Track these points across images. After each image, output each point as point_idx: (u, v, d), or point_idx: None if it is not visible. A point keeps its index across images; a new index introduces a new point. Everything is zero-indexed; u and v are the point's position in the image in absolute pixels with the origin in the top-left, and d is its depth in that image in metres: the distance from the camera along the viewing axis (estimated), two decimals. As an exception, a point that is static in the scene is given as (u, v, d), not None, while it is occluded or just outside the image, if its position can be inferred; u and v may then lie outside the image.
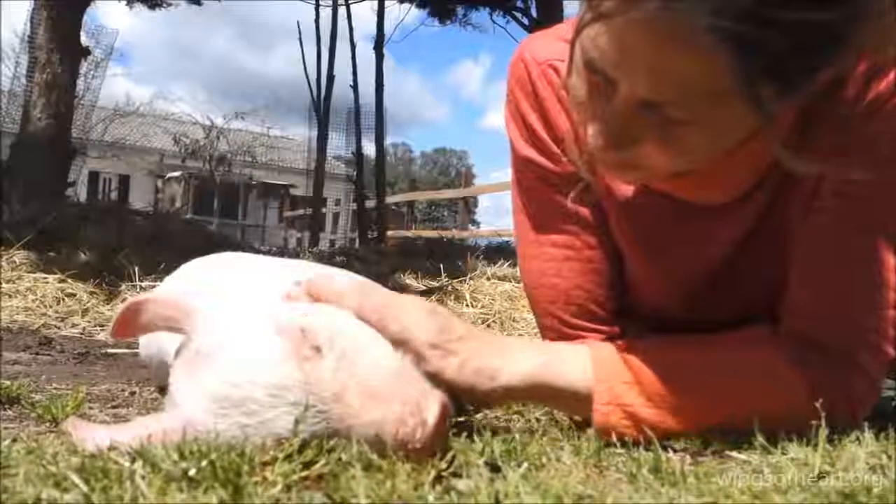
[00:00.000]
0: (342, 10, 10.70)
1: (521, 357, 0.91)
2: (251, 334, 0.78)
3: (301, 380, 0.74)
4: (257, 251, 5.95)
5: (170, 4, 10.43)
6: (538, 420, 0.99)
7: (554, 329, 1.17)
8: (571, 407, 0.93)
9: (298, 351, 0.76)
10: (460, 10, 11.35)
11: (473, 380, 0.89)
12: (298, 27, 11.26)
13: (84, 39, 6.69)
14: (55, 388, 1.36)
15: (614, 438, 0.87)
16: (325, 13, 10.99)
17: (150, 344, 1.17)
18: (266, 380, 0.74)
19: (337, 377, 0.76)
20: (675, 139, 0.79)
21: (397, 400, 0.75)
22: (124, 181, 22.42)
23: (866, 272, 0.90)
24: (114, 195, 18.00)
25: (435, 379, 0.84)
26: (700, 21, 0.66)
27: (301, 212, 18.13)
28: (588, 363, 0.92)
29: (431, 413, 0.75)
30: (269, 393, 0.74)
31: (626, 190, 1.06)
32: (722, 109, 0.74)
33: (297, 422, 0.73)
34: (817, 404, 0.81)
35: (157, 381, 1.36)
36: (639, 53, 0.73)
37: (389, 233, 10.96)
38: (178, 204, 19.28)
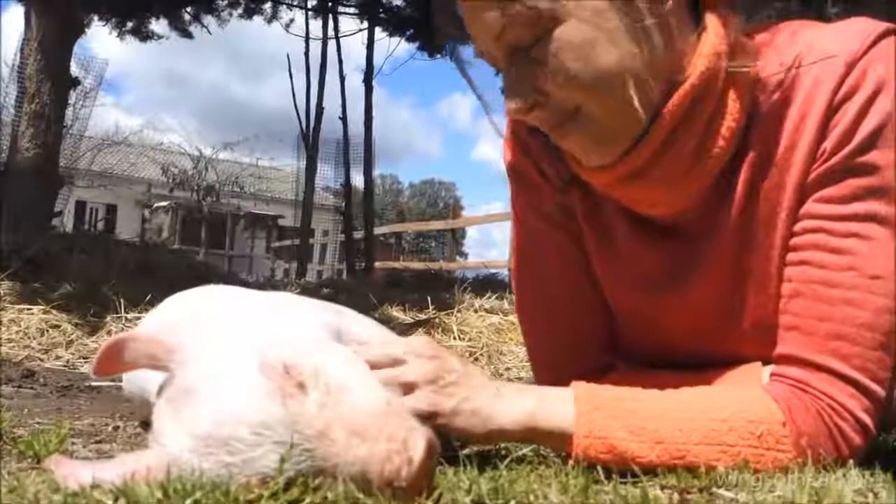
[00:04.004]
0: (332, 43, 10.79)
1: (514, 401, 0.92)
2: (234, 372, 0.78)
3: (285, 418, 0.74)
4: (244, 282, 5.93)
5: (160, 37, 10.49)
6: (525, 457, 0.99)
7: (543, 361, 1.17)
8: (560, 446, 0.93)
9: (282, 388, 0.76)
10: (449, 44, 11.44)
11: (469, 422, 0.89)
12: (288, 59, 11.33)
13: (74, 68, 6.70)
14: (38, 423, 1.35)
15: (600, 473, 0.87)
16: (316, 46, 11.05)
17: (134, 379, 1.16)
18: (250, 418, 0.74)
19: (321, 414, 0.75)
20: (546, 55, 0.88)
21: (383, 437, 0.74)
22: (111, 211, 22.35)
23: (855, 313, 0.90)
24: (100, 225, 17.90)
25: (428, 419, 0.85)
26: None
27: (289, 242, 18.10)
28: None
29: (417, 451, 0.74)
30: (252, 431, 0.73)
31: (607, 221, 1.07)
32: None
33: (282, 460, 0.72)
34: (803, 443, 0.82)
35: (140, 415, 1.35)
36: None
37: (377, 264, 10.95)
38: (165, 234, 19.21)
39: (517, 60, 0.91)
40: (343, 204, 11.20)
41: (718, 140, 0.94)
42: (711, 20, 0.93)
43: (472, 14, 0.92)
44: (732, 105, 0.93)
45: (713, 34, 0.91)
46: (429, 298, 3.57)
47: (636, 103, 0.89)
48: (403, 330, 3.09)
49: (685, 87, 0.90)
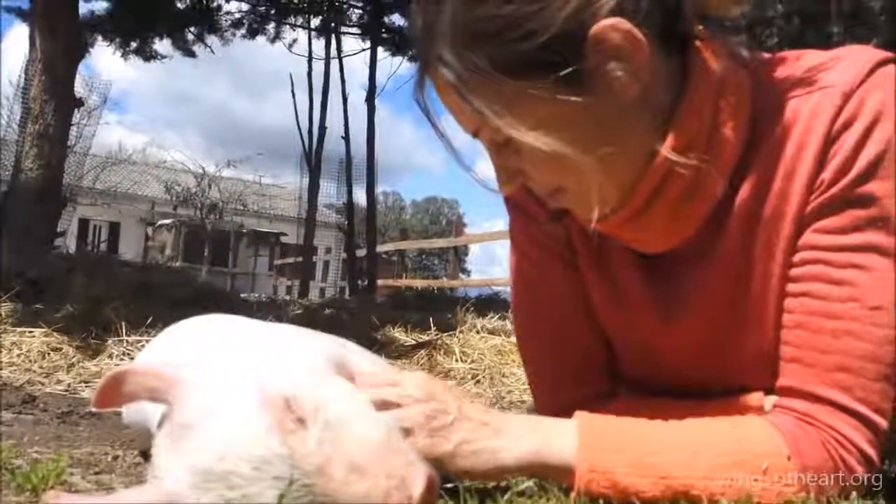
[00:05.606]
0: (335, 62, 10.84)
1: (516, 438, 0.91)
2: (235, 406, 0.78)
3: (285, 453, 0.74)
4: (246, 301, 5.92)
5: (164, 56, 10.54)
6: (526, 490, 0.98)
7: (543, 388, 1.17)
8: (562, 480, 0.92)
9: (282, 423, 0.76)
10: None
11: (471, 462, 0.89)
12: (291, 79, 11.37)
13: (78, 88, 6.71)
14: (37, 452, 1.34)
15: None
16: (318, 65, 11.08)
17: (134, 409, 1.16)
18: (249, 453, 0.73)
19: (321, 450, 0.75)
20: (516, 150, 0.92)
21: (382, 473, 0.74)
22: (115, 229, 22.40)
23: (857, 345, 0.90)
24: (103, 246, 17.89)
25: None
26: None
27: (291, 260, 18.11)
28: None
29: (417, 487, 0.74)
30: (252, 466, 0.73)
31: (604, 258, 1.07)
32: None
33: (281, 496, 0.72)
34: (808, 477, 0.81)
35: (140, 444, 1.34)
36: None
37: (380, 281, 10.95)
38: (168, 251, 19.23)
39: (497, 150, 0.95)
40: (345, 221, 11.20)
41: (704, 190, 0.94)
42: (685, 102, 0.91)
43: (453, 113, 0.96)
44: (721, 153, 0.93)
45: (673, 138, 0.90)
46: (431, 319, 3.55)
47: (603, 193, 0.91)
48: (405, 352, 3.09)
49: (657, 162, 0.91)
